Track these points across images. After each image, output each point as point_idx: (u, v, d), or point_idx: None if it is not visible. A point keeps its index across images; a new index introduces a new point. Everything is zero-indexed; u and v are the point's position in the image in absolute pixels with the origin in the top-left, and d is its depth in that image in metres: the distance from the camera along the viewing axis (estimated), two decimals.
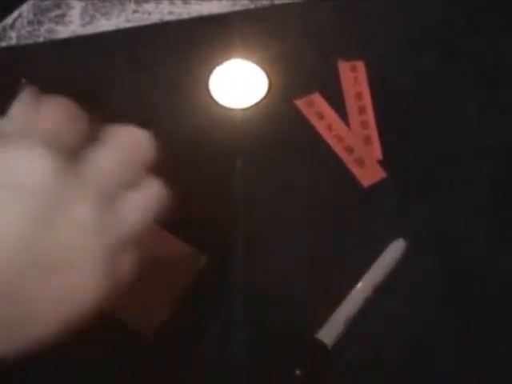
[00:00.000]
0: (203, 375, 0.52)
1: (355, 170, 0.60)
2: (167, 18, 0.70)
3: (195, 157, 0.61)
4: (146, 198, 0.35)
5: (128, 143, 0.35)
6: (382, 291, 0.54)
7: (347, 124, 0.63)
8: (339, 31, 0.68)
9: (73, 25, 0.70)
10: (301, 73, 0.66)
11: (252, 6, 0.70)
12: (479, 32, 0.69)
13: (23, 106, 0.33)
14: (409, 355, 0.52)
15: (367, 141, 0.62)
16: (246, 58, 0.66)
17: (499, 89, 0.66)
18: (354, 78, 0.65)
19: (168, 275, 0.54)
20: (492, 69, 0.67)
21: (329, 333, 0.52)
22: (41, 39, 0.69)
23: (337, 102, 0.64)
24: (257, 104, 0.64)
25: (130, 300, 0.53)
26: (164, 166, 0.60)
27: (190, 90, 0.65)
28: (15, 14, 0.70)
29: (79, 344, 0.51)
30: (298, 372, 0.51)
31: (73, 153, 0.32)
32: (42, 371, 0.51)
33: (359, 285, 0.54)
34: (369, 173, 0.60)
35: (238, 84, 0.65)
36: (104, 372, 0.51)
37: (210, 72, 0.65)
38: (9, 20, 0.70)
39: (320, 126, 0.63)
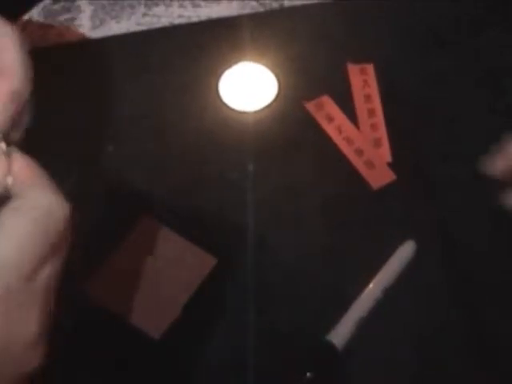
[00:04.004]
0: (212, 377, 0.52)
1: (364, 172, 0.61)
2: (177, 21, 0.70)
3: (205, 160, 0.61)
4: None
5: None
6: (391, 293, 0.54)
7: (357, 126, 0.63)
8: (348, 34, 0.68)
9: (83, 28, 0.70)
10: (310, 75, 0.66)
11: (261, 9, 0.71)
12: (486, 33, 0.69)
13: None
14: (419, 357, 0.52)
15: (377, 143, 0.62)
16: (256, 60, 0.66)
17: (507, 89, 0.66)
18: (363, 80, 0.65)
19: (179, 278, 0.54)
20: (499, 70, 0.67)
21: (339, 335, 0.52)
22: (51, 43, 0.69)
23: (346, 104, 0.64)
24: (266, 107, 0.64)
25: (141, 302, 0.53)
26: (175, 169, 0.61)
27: (199, 94, 0.65)
28: (25, 18, 0.71)
29: (83, 344, 0.52)
30: (308, 374, 0.51)
31: None
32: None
33: (369, 287, 0.54)
34: (378, 175, 0.60)
35: (248, 87, 0.65)
36: (108, 372, 0.52)
37: (220, 75, 0.65)
38: (19, 24, 0.70)
39: (329, 129, 0.63)
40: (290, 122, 0.63)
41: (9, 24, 0.40)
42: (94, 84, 0.66)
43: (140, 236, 0.56)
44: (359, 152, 0.62)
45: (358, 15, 0.70)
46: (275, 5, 0.71)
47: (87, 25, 0.70)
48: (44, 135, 0.62)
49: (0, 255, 0.31)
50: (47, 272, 0.33)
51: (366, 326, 0.53)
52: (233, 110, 0.64)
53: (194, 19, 0.70)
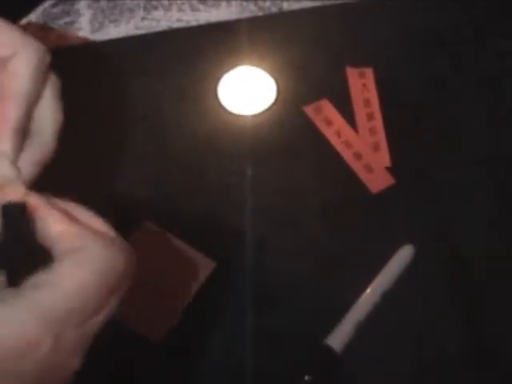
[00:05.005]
0: (211, 380, 0.52)
1: (363, 176, 0.61)
2: (176, 25, 0.70)
3: (204, 164, 0.62)
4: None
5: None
6: (390, 297, 0.54)
7: (355, 130, 0.63)
8: (348, 38, 0.68)
9: (82, 32, 0.70)
10: (309, 79, 0.66)
11: (260, 13, 0.71)
12: (486, 38, 0.69)
13: None
14: (419, 358, 0.53)
15: (375, 147, 0.62)
16: (255, 64, 0.66)
17: (507, 89, 0.66)
18: (362, 84, 0.65)
19: (178, 281, 0.54)
20: (499, 70, 0.67)
21: (338, 339, 0.52)
22: (50, 46, 0.69)
23: (345, 108, 0.64)
24: (265, 111, 0.64)
25: (141, 306, 0.53)
26: (174, 173, 0.61)
27: (198, 97, 0.65)
28: (25, 21, 0.71)
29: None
30: (306, 378, 0.51)
31: None
32: None
33: (368, 291, 0.54)
34: (377, 179, 0.60)
35: (247, 91, 0.65)
36: (108, 376, 0.52)
37: (219, 79, 0.66)
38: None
39: (328, 133, 0.63)
40: (288, 126, 0.63)
41: (30, 40, 0.39)
42: (92, 88, 0.66)
43: (139, 240, 0.56)
44: (358, 156, 0.62)
45: (357, 19, 0.70)
46: (274, 9, 0.71)
47: (86, 28, 0.70)
48: None
49: (55, 305, 0.31)
50: (98, 320, 0.33)
51: (364, 329, 0.53)
52: (231, 113, 0.64)
53: (193, 23, 0.70)
